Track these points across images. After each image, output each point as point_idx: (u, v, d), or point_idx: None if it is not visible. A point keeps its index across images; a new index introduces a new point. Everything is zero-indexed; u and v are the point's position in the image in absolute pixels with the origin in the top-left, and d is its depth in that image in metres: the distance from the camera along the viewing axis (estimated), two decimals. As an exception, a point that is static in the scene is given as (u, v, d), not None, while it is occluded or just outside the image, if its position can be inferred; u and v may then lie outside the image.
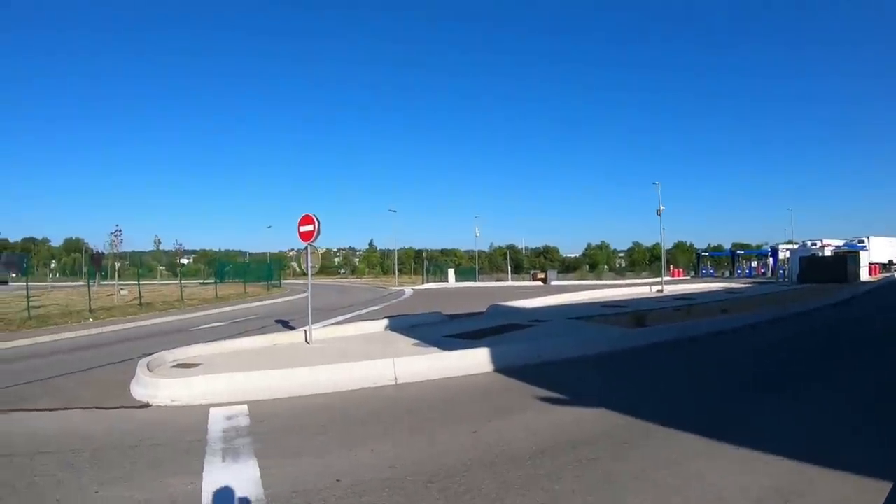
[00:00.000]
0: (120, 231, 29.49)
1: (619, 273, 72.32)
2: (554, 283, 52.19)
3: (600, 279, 61.23)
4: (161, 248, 42.16)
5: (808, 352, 10.86)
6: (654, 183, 37.35)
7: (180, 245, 44.85)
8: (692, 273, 71.86)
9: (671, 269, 70.78)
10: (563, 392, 7.19)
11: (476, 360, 9.00)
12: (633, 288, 31.58)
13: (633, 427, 5.64)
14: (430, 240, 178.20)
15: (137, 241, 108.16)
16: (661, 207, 34.42)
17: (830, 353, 10.67)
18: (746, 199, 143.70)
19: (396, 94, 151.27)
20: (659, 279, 35.14)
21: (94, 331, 17.66)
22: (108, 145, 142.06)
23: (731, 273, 66.53)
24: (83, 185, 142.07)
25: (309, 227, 11.84)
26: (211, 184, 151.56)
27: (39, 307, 23.80)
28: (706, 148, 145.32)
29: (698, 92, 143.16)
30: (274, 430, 6.17)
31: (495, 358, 9.04)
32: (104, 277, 34.25)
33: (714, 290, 30.38)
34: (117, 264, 32.57)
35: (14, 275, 62.75)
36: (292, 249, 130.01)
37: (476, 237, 70.20)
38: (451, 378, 8.44)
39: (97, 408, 7.73)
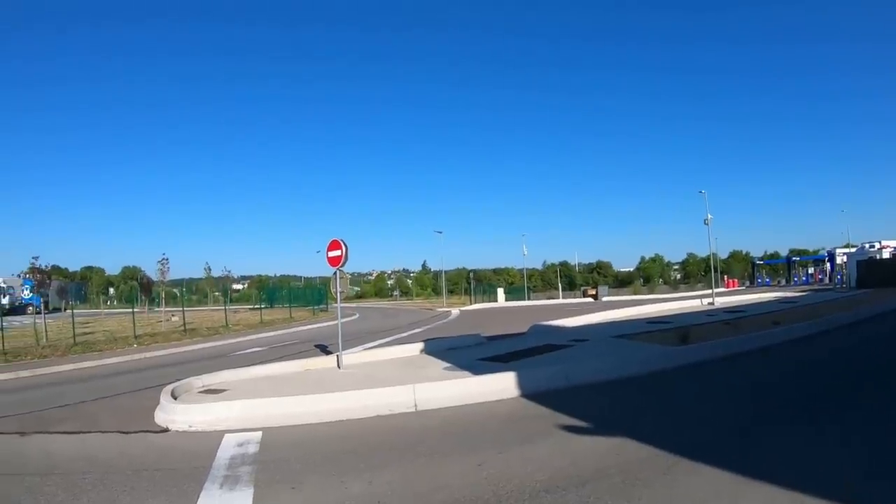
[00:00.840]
0: (166, 259, 30.96)
1: (673, 286, 72.88)
2: (605, 298, 52.60)
3: (653, 293, 61.70)
4: (211, 274, 42.93)
5: (860, 370, 10.07)
6: (700, 192, 37.12)
7: (229, 271, 46.04)
8: (747, 283, 70.59)
9: (725, 279, 70.34)
10: (585, 419, 6.90)
11: (501, 386, 8.81)
12: (683, 302, 31.22)
13: (654, 460, 5.31)
14: (482, 259, 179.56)
15: (191, 268, 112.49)
16: (709, 216, 34.17)
17: (886, 370, 9.83)
18: (804, 203, 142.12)
19: (444, 113, 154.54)
20: (715, 290, 34.49)
21: (136, 356, 18.44)
22: (161, 175, 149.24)
23: (788, 281, 64.93)
24: (140, 215, 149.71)
25: (337, 253, 12.05)
26: (267, 210, 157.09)
27: (88, 333, 25.02)
28: (760, 152, 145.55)
29: (746, 93, 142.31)
30: (279, 458, 6.21)
31: (522, 382, 8.83)
32: (156, 304, 35.41)
33: (767, 300, 29.71)
34: (162, 292, 33.73)
35: (71, 302, 66.18)
36: (347, 273, 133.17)
37: (524, 255, 69.85)
38: (474, 405, 8.28)
39: (118, 432, 8.08)
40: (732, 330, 14.61)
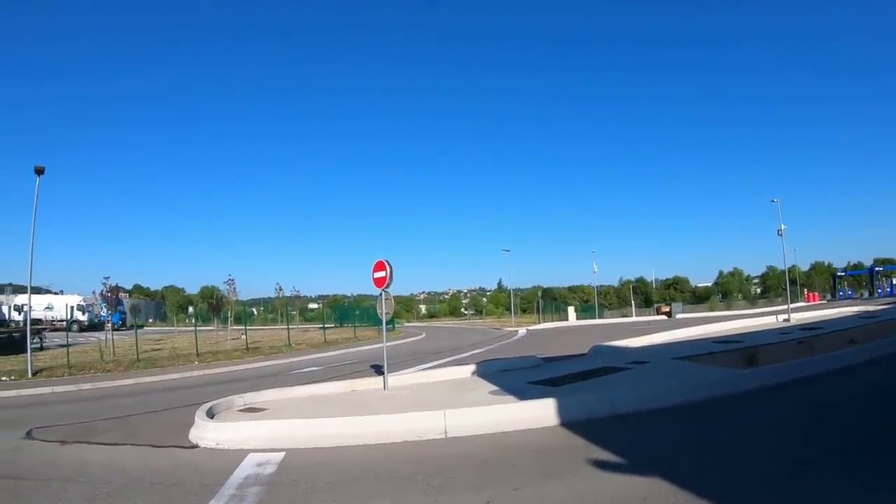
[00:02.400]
0: (233, 280, 33.41)
1: (752, 301, 71.34)
2: (679, 315, 52.82)
3: (730, 309, 61.33)
4: (283, 294, 44.75)
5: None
6: (772, 201, 35.92)
7: (297, 291, 47.84)
8: (828, 296, 67.22)
9: (805, 293, 69.12)
10: (621, 453, 6.62)
11: (541, 413, 8.64)
12: (758, 319, 30.75)
13: (684, 508, 5.05)
14: (558, 277, 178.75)
15: (267, 288, 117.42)
16: (783, 227, 33.68)
17: None
18: (890, 209, 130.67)
19: (514, 126, 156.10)
20: (792, 305, 34.08)
21: (195, 373, 19.49)
22: (240, 198, 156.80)
23: (871, 293, 61.13)
24: (224, 237, 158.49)
25: (382, 274, 12.32)
26: (344, 230, 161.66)
27: (156, 350, 26.63)
28: (842, 156, 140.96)
29: (825, 98, 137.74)
30: (291, 481, 6.40)
31: (563, 410, 8.61)
32: (227, 322, 37.18)
33: (847, 315, 29.32)
34: (230, 311, 35.36)
35: (149, 319, 70.89)
36: (423, 292, 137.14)
37: (594, 273, 68.47)
38: (508, 433, 8.14)
39: (151, 445, 8.63)
40: (804, 350, 14.29)
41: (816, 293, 70.67)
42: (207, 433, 8.56)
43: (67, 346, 22.53)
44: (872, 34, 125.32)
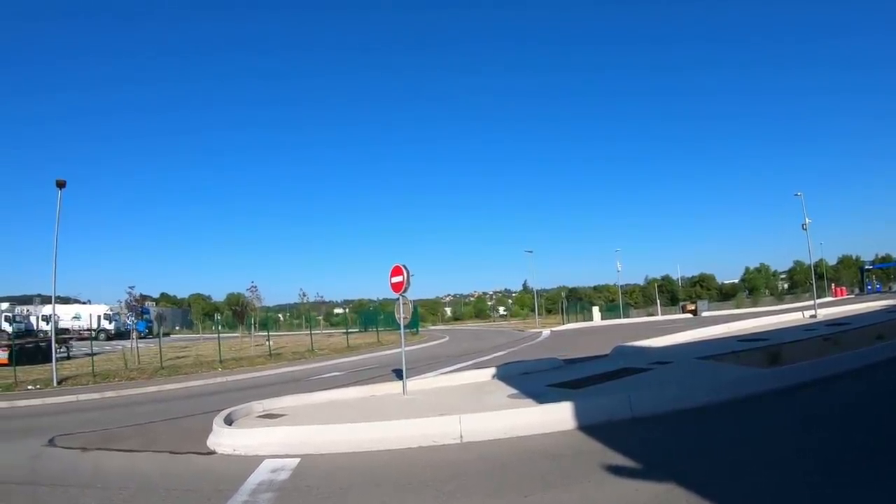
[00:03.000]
0: (255, 287, 33.67)
1: (779, 297, 71.08)
2: (705, 313, 52.44)
3: (757, 305, 60.86)
4: (307, 299, 45.07)
5: None
6: (796, 194, 35.60)
7: (321, 297, 48.34)
8: (857, 290, 66.09)
9: (833, 287, 68.26)
10: (637, 458, 6.51)
11: (558, 416, 8.56)
12: (784, 315, 30.77)
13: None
14: (584, 277, 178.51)
15: (290, 293, 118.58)
16: (807, 220, 33.57)
17: None
18: None
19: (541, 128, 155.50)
20: (819, 301, 33.66)
21: (218, 380, 19.82)
22: (267, 205, 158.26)
23: None
24: (242, 245, 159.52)
25: (399, 279, 12.39)
26: (369, 234, 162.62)
27: (182, 357, 27.03)
28: (868, 148, 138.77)
29: (846, 89, 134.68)
30: (304, 487, 6.45)
31: (581, 413, 8.53)
32: (252, 329, 37.59)
33: (875, 309, 29.33)
34: (255, 318, 35.77)
35: (177, 327, 72.10)
36: (448, 295, 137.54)
37: (618, 272, 68.04)
38: (524, 437, 8.10)
39: (169, 452, 8.81)
40: (830, 347, 14.10)
41: (844, 288, 69.51)
42: (224, 439, 8.69)
43: (92, 354, 22.97)
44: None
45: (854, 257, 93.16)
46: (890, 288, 64.75)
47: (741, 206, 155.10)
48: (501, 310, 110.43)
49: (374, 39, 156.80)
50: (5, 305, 48.54)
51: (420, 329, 53.53)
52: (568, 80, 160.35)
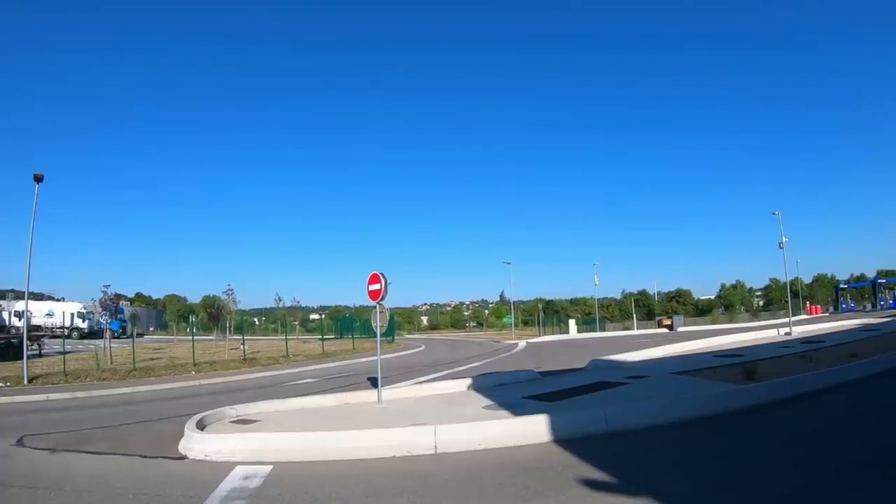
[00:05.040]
0: (232, 290, 33.52)
1: (754, 314, 72.54)
2: (681, 329, 53.61)
3: (733, 321, 62.75)
4: (283, 304, 44.70)
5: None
6: (773, 213, 36.60)
7: (298, 301, 47.90)
8: (831, 309, 67.78)
9: (808, 305, 70.51)
10: (612, 472, 6.55)
11: (533, 429, 8.61)
12: (760, 332, 31.09)
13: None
14: (561, 289, 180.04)
15: (268, 298, 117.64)
16: (784, 239, 34.52)
17: None
18: (893, 221, 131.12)
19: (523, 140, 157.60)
20: (794, 318, 34.97)
21: (191, 383, 19.57)
22: (242, 208, 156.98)
23: (874, 306, 62.31)
24: (220, 247, 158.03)
25: (377, 286, 12.37)
26: (345, 241, 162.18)
27: (155, 359, 26.65)
28: (846, 167, 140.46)
29: (824, 103, 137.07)
30: (274, 495, 6.38)
31: (556, 426, 8.59)
32: (226, 332, 37.19)
33: (849, 328, 30.01)
34: (229, 321, 35.41)
35: (152, 328, 71.08)
36: (425, 304, 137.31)
37: (595, 285, 68.89)
38: (499, 449, 8.13)
39: (140, 456, 8.64)
40: (805, 364, 14.43)
41: (819, 306, 71.65)
42: (196, 444, 8.56)
43: (64, 353, 22.60)
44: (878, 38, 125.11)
45: (829, 276, 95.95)
46: (864, 307, 66.20)
47: (719, 223, 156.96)
48: (477, 321, 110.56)
49: (356, 40, 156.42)
50: (-23, 301, 47.55)
51: (396, 337, 53.38)
52: (548, 87, 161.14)
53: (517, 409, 10.46)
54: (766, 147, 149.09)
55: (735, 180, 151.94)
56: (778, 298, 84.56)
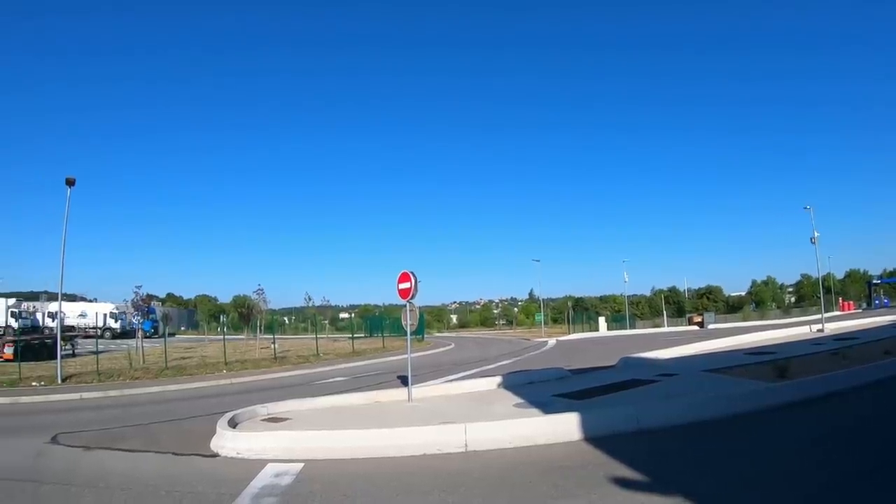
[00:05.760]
0: (262, 290, 33.53)
1: (785, 310, 72.72)
2: (711, 326, 53.46)
3: (764, 318, 62.16)
4: (312, 303, 45.11)
5: None
6: (805, 208, 36.56)
7: (327, 301, 48.32)
8: (864, 305, 66.96)
9: (840, 301, 68.82)
10: (643, 471, 6.48)
11: (561, 427, 8.57)
12: (791, 329, 30.99)
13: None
14: (591, 287, 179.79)
15: (297, 297, 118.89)
16: (816, 234, 34.07)
17: None
18: None
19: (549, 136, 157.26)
20: (826, 314, 34.50)
21: (222, 382, 19.89)
22: (276, 207, 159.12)
23: None
24: (250, 248, 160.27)
25: (406, 285, 12.43)
26: (378, 240, 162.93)
27: (186, 358, 27.14)
28: (877, 161, 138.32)
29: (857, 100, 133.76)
30: (307, 492, 6.46)
31: (587, 424, 8.54)
32: (257, 331, 37.64)
33: (882, 324, 29.27)
34: (260, 320, 35.77)
35: (183, 328, 72.47)
36: (454, 302, 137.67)
37: (625, 282, 68.56)
38: (530, 447, 8.11)
39: (172, 453, 8.85)
40: (839, 361, 14.23)
41: (851, 302, 70.23)
42: (228, 442, 8.72)
43: (97, 353, 23.20)
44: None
45: (862, 271, 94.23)
46: None
47: (749, 219, 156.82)
48: (507, 319, 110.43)
49: (385, 40, 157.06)
50: (12, 301, 48.89)
51: (426, 336, 53.58)
52: (577, 87, 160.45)
53: (547, 407, 10.45)
54: (798, 142, 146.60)
55: (766, 176, 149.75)
56: (809, 295, 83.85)
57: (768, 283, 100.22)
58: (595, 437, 8.30)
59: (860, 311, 61.25)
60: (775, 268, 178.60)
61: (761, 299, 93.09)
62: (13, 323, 42.77)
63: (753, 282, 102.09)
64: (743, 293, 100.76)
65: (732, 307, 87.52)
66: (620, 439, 8.22)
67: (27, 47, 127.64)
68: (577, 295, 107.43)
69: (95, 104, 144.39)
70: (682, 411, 9.38)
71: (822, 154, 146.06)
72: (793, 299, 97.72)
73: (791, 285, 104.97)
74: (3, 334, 35.22)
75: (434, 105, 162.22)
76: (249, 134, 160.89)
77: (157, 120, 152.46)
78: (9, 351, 25.98)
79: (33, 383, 18.69)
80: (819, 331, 28.24)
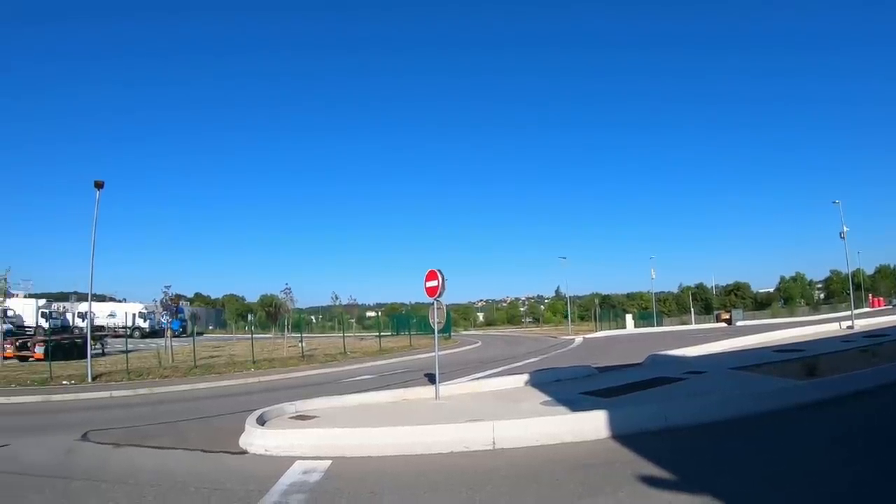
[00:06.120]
0: (289, 289, 33.67)
1: (814, 307, 72.13)
2: (739, 323, 53.38)
3: (793, 315, 62.30)
4: (339, 302, 45.37)
5: None
6: (834, 202, 35.77)
7: (354, 299, 48.45)
8: (894, 301, 65.47)
9: (870, 298, 68.55)
10: (670, 469, 6.43)
11: (589, 425, 8.55)
12: (820, 326, 30.79)
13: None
14: (616, 284, 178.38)
15: (323, 296, 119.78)
16: (845, 229, 33.52)
17: None
18: None
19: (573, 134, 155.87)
20: (856, 311, 34.00)
21: (250, 380, 20.12)
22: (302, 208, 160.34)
23: None
24: (276, 247, 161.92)
25: (434, 283, 12.46)
26: (403, 239, 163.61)
27: (215, 357, 27.50)
28: None
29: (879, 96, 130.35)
30: (334, 489, 6.50)
31: (615, 422, 8.50)
32: (284, 330, 37.99)
33: None
34: (287, 319, 36.14)
35: (211, 326, 73.48)
36: (481, 300, 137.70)
37: (652, 279, 68.45)
38: (557, 445, 8.08)
39: (201, 451, 8.99)
40: (868, 359, 14.04)
41: (882, 298, 69.63)
42: (256, 440, 8.82)
43: (127, 352, 23.59)
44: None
45: (892, 267, 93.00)
46: None
47: (777, 214, 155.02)
48: (533, 316, 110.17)
49: (416, 40, 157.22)
50: (42, 302, 50.04)
51: (452, 334, 53.62)
52: (601, 85, 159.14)
53: (574, 405, 10.42)
54: (826, 138, 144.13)
55: (793, 170, 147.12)
56: (839, 291, 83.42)
57: (797, 279, 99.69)
58: (623, 435, 8.26)
59: (890, 307, 60.65)
60: (804, 264, 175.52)
61: (790, 296, 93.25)
62: (43, 323, 43.67)
63: (782, 278, 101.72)
64: (771, 290, 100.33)
65: (761, 304, 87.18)
66: (648, 437, 8.18)
67: (58, 47, 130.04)
68: (604, 292, 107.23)
69: (121, 107, 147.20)
70: (710, 409, 9.32)
71: (853, 148, 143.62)
72: (822, 296, 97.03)
73: (820, 281, 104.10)
74: (34, 334, 35.93)
75: (454, 103, 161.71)
76: (278, 135, 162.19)
77: (185, 122, 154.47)
78: (40, 350, 26.70)
79: (64, 382, 19.11)
80: (849, 328, 28.04)
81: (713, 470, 6.59)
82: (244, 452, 8.58)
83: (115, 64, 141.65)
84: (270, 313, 38.45)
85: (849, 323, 29.31)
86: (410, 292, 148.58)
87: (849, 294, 39.44)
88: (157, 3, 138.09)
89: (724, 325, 53.62)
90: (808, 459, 6.85)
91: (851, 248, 38.60)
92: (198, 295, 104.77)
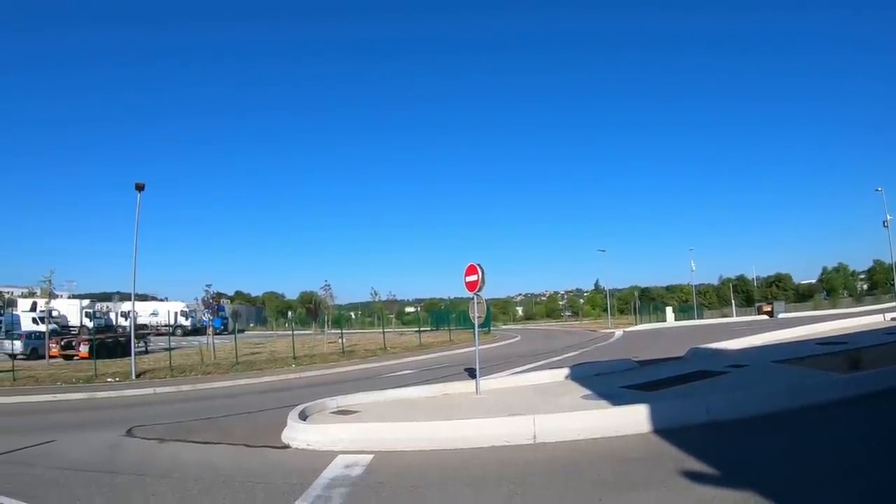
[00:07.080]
0: (329, 286, 34.75)
1: (858, 298, 70.60)
2: (781, 315, 52.87)
3: (836, 307, 61.34)
4: (379, 298, 45.87)
5: None
6: (876, 190, 35.85)
7: (393, 295, 48.96)
8: None
9: None
10: (713, 464, 6.40)
11: (630, 419, 8.55)
12: (864, 318, 30.10)
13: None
14: (656, 276, 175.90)
15: (363, 292, 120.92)
16: (888, 217, 33.41)
17: None
18: None
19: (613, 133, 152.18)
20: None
21: (291, 376, 20.49)
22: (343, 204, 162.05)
23: None
24: (316, 244, 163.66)
25: (473, 277, 12.49)
26: (445, 234, 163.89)
27: (256, 353, 28.05)
28: None
29: None
30: (375, 483, 6.65)
31: (656, 416, 8.47)
32: (325, 326, 38.53)
33: None
34: (327, 315, 36.68)
35: (251, 324, 74.88)
36: (520, 294, 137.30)
37: (692, 271, 66.77)
38: (598, 439, 8.10)
39: (244, 445, 9.26)
40: None
41: None
42: (299, 434, 9.05)
43: (170, 349, 24.26)
44: None
45: None
46: None
47: (818, 203, 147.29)
48: (572, 310, 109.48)
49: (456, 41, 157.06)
50: (86, 302, 51.73)
51: (492, 328, 53.62)
52: (648, 82, 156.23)
53: (615, 398, 10.42)
54: (867, 122, 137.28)
55: (835, 158, 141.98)
56: (882, 282, 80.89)
57: (839, 269, 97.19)
58: (664, 429, 8.25)
59: None
60: (846, 254, 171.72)
61: (832, 287, 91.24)
62: (88, 323, 45.11)
63: (824, 269, 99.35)
64: (813, 281, 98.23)
65: (802, 295, 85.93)
66: (690, 431, 8.15)
67: (101, 50, 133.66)
68: (643, 285, 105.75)
69: (166, 107, 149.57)
70: (753, 403, 9.23)
71: (893, 133, 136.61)
72: (865, 286, 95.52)
73: (863, 272, 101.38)
74: (79, 334, 37.16)
75: (495, 98, 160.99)
76: (316, 134, 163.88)
77: (223, 123, 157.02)
78: (84, 349, 27.85)
79: (108, 379, 19.84)
80: (893, 319, 27.62)
81: (756, 464, 6.53)
82: (286, 447, 8.81)
83: (157, 68, 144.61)
84: (310, 310, 39.07)
85: (893, 314, 29.02)
86: (449, 287, 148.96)
87: (892, 285, 38.28)
88: (201, 9, 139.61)
89: (765, 317, 53.15)
90: (852, 453, 6.79)
91: (895, 237, 37.44)
92: (238, 293, 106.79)
